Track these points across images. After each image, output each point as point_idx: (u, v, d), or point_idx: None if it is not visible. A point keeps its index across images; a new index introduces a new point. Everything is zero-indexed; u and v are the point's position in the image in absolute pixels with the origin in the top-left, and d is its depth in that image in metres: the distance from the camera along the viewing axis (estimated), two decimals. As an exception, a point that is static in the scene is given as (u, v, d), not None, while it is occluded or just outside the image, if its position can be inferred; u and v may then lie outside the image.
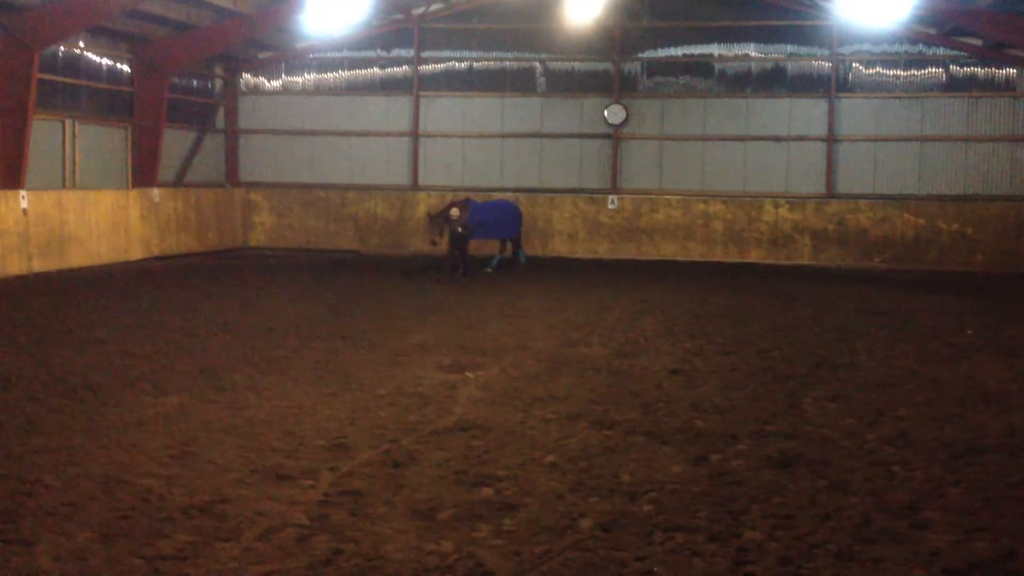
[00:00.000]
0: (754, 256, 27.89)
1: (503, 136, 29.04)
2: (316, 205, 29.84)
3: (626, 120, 28.29)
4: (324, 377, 11.50)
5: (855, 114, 27.58)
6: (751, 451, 8.67)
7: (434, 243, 22.97)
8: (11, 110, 20.80)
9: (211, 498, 7.20)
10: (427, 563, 6.11)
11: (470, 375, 11.77)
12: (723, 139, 28.14)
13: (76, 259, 22.77)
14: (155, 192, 25.94)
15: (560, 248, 28.73)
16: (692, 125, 28.28)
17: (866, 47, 27.46)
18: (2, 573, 5.84)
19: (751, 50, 28.03)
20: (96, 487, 7.41)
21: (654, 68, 28.55)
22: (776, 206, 27.86)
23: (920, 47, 27.21)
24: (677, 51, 28.43)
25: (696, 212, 28.19)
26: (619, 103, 28.30)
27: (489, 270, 23.04)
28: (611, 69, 28.56)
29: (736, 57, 28.13)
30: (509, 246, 24.71)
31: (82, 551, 6.19)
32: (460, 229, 21.52)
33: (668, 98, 28.43)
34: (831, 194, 27.72)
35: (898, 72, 27.33)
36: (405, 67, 29.45)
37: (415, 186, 29.45)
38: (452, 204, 22.76)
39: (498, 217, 23.51)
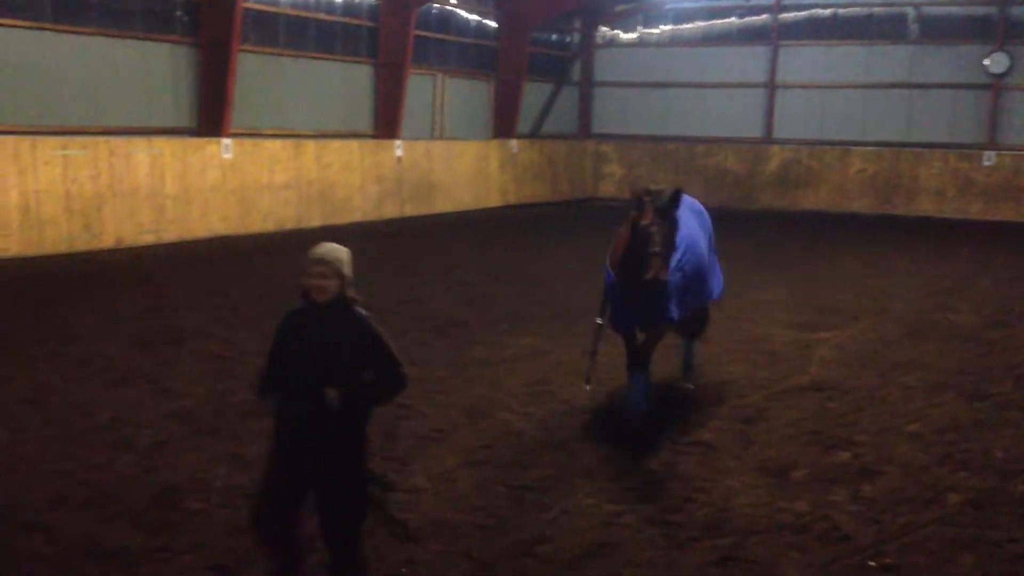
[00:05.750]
0: None
1: (867, 87, 27.38)
2: (665, 158, 29.82)
3: (1010, 69, 25.69)
4: (673, 328, 11.49)
5: None
6: None
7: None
8: (390, 65, 22.48)
9: (565, 436, 7.46)
10: (780, 519, 5.97)
11: (825, 335, 11.32)
12: None
13: (441, 205, 24.32)
14: (513, 143, 27.07)
15: (926, 207, 26.78)
16: (1090, 73, 25.22)
17: None
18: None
19: None
20: (462, 416, 7.92)
21: (1046, 9, 25.69)
22: None
23: None
24: (1076, -10, 25.38)
25: (1089, 170, 25.21)
26: (1003, 51, 25.73)
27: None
28: (995, 13, 25.98)
29: None
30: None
31: (452, 473, 6.65)
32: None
33: (1061, 43, 25.51)
34: None
35: None
36: (764, 16, 28.49)
37: (768, 139, 28.59)
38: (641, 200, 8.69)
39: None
